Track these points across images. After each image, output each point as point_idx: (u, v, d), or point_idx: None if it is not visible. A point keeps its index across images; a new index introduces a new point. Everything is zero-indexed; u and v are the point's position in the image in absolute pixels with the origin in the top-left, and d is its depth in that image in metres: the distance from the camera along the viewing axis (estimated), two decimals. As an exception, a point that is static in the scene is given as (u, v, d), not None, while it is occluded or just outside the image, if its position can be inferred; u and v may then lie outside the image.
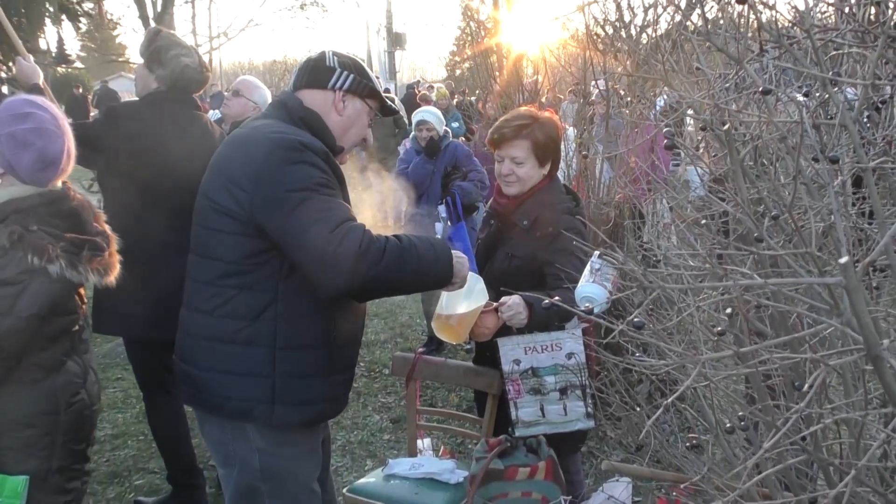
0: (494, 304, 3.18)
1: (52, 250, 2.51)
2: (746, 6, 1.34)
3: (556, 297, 2.35)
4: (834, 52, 1.43)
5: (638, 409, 2.96)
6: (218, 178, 2.61)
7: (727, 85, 1.63)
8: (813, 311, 1.27)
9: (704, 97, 1.61)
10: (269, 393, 2.60)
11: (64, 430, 2.69)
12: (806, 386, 0.97)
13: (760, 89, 1.29)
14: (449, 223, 6.74)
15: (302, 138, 2.56)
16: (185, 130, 4.03)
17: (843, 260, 0.93)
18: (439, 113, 7.30)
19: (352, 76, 2.77)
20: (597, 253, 2.75)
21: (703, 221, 1.81)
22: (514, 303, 3.13)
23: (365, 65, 2.88)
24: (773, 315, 1.63)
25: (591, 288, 2.69)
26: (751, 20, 1.49)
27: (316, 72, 2.78)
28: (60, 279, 2.53)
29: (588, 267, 2.79)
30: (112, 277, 2.77)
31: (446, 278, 2.69)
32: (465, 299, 3.11)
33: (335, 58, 2.79)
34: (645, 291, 1.54)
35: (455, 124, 10.97)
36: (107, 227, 2.87)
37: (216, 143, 4.05)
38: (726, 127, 1.25)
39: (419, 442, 4.10)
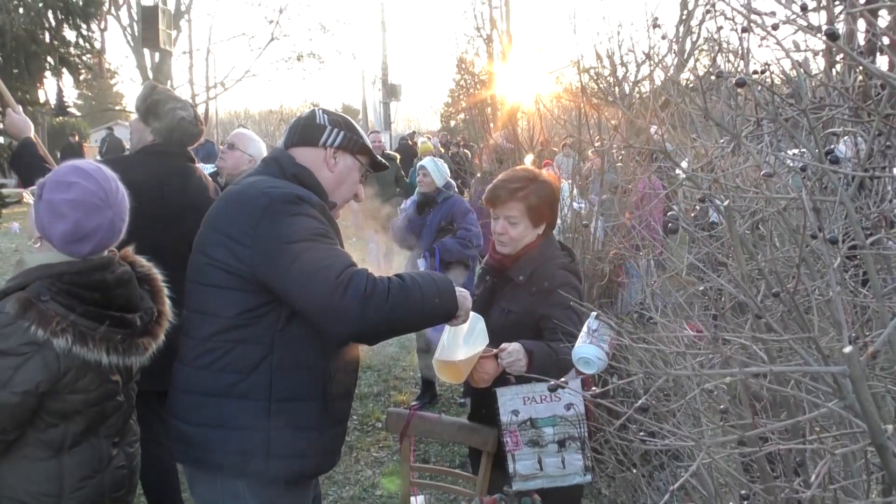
0: (494, 350, 3.17)
1: (59, 323, 2.39)
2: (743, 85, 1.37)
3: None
4: (830, 131, 1.45)
5: (634, 469, 2.94)
6: (213, 234, 2.61)
7: (723, 153, 1.65)
8: (814, 391, 1.27)
9: (702, 167, 1.63)
10: (265, 446, 2.57)
11: None
12: (813, 477, 0.97)
13: (763, 172, 1.31)
14: None
15: (298, 191, 2.59)
16: (179, 183, 4.04)
17: (847, 350, 0.94)
18: (442, 165, 7.29)
19: (342, 133, 2.82)
20: (594, 314, 2.76)
21: (701, 288, 1.82)
22: (513, 349, 3.12)
23: (354, 122, 2.93)
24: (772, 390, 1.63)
25: (589, 349, 2.69)
26: (747, 95, 1.51)
27: (307, 130, 2.83)
28: (67, 354, 2.40)
29: (585, 327, 2.79)
30: (137, 357, 2.64)
31: (451, 311, 2.70)
32: (467, 338, 3.11)
33: (325, 116, 2.85)
34: (643, 373, 1.54)
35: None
36: (165, 306, 2.78)
37: (211, 196, 4.08)
38: (726, 203, 1.27)
39: (413, 499, 4.04)
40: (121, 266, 2.66)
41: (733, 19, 1.52)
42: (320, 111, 2.88)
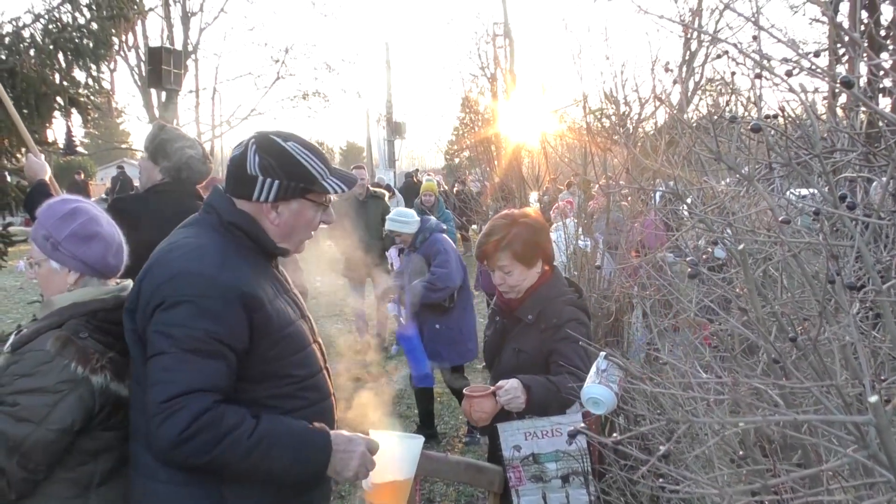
0: (492, 387, 3.16)
1: (98, 360, 2.40)
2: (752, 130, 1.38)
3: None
4: (843, 175, 1.46)
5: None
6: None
7: (736, 196, 1.65)
8: (826, 435, 1.26)
9: (713, 209, 1.63)
10: None
11: None
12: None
13: (781, 219, 1.31)
14: (402, 319, 6.64)
15: (206, 275, 2.26)
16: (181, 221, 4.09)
17: (873, 399, 0.93)
18: (405, 213, 7.30)
19: (276, 183, 2.39)
20: (603, 354, 2.76)
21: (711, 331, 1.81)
22: (511, 386, 3.12)
23: (298, 150, 2.45)
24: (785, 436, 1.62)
25: (598, 389, 2.68)
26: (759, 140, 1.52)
27: (238, 182, 2.45)
28: (104, 392, 2.40)
29: (594, 367, 2.79)
30: None
31: (315, 477, 2.40)
32: (395, 467, 2.70)
33: (256, 159, 2.40)
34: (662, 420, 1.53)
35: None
36: None
37: None
38: (741, 247, 1.27)
39: (419, 542, 3.99)
40: None
41: (744, 63, 1.54)
42: (252, 151, 2.41)
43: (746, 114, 2.34)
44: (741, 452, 1.51)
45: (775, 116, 1.54)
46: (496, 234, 3.50)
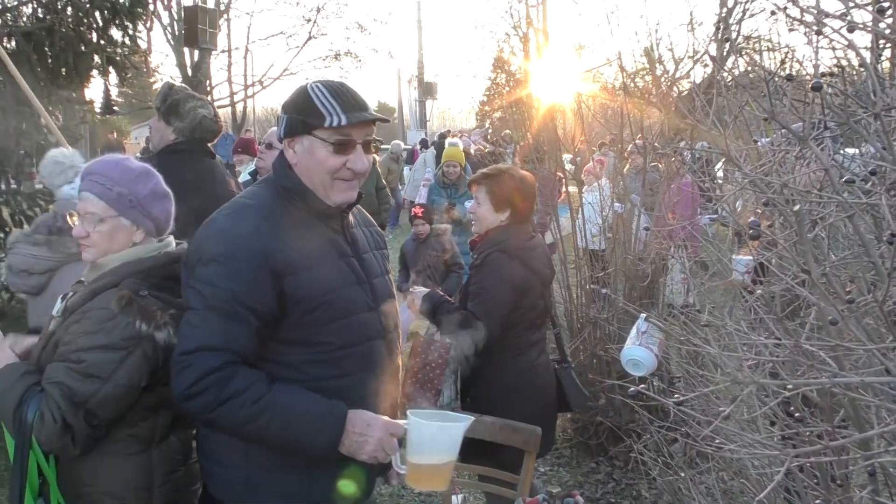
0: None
1: (161, 316, 2.43)
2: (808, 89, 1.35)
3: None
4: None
5: (682, 474, 2.91)
6: None
7: (786, 157, 1.63)
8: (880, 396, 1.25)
9: (765, 171, 1.60)
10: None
11: None
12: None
13: (844, 179, 1.29)
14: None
15: (239, 236, 2.29)
16: (203, 179, 4.15)
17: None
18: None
19: (286, 118, 2.44)
20: (643, 315, 2.76)
21: (759, 292, 1.80)
22: (419, 291, 3.92)
23: (317, 88, 2.43)
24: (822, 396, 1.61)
25: (638, 351, 2.69)
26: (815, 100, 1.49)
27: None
28: (167, 347, 2.41)
29: (634, 329, 2.79)
30: None
31: (324, 454, 2.34)
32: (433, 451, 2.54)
33: (286, 103, 2.47)
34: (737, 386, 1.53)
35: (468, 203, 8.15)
36: None
37: (233, 189, 4.23)
38: (797, 208, 1.25)
39: (454, 498, 4.05)
40: None
41: (801, 21, 1.50)
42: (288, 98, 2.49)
43: (787, 71, 2.28)
44: (797, 414, 1.50)
45: (831, 74, 1.51)
46: (488, 172, 4.00)
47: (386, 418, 2.39)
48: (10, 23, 5.96)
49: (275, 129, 5.52)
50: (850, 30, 1.34)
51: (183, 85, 4.58)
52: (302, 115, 2.40)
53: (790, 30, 1.55)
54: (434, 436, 2.41)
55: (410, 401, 3.85)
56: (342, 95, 2.41)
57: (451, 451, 2.47)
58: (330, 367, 2.40)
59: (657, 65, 6.07)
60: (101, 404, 2.34)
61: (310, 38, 31.48)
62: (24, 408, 2.33)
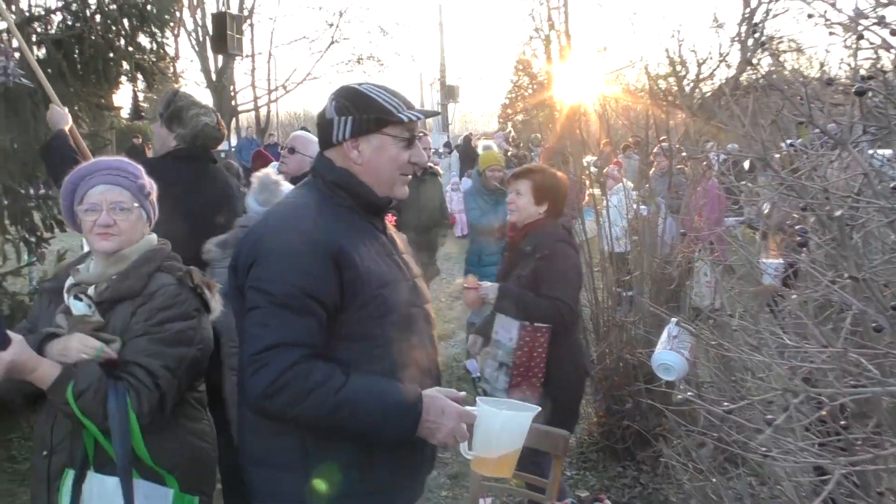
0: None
1: (210, 288, 2.69)
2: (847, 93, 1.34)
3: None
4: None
5: (714, 480, 2.89)
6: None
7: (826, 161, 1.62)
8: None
9: (799, 175, 1.60)
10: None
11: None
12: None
13: (893, 185, 1.28)
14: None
15: (298, 231, 2.33)
16: (204, 185, 4.23)
17: None
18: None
19: (349, 119, 2.44)
20: (674, 320, 2.75)
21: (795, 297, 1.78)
22: (490, 286, 4.18)
23: (371, 88, 2.50)
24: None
25: (669, 356, 2.68)
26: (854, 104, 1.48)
27: (322, 130, 2.52)
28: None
29: (665, 333, 2.78)
30: None
31: (403, 436, 2.35)
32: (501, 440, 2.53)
33: (333, 104, 2.48)
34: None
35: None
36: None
37: (235, 195, 4.38)
38: (839, 213, 1.24)
39: (481, 501, 4.04)
40: None
41: (840, 23, 1.49)
42: (331, 99, 2.50)
43: (813, 73, 2.27)
44: (842, 422, 1.49)
45: (870, 77, 1.50)
46: (531, 167, 4.42)
47: (458, 406, 2.39)
48: (39, 31, 6.04)
49: (298, 133, 5.56)
50: (893, 33, 1.33)
51: (187, 92, 4.64)
52: (373, 113, 2.43)
53: (830, 33, 1.54)
54: (504, 424, 2.41)
55: (516, 390, 4.03)
56: (398, 94, 2.51)
57: (519, 439, 2.45)
58: (381, 362, 2.41)
59: (679, 66, 6.04)
60: (189, 368, 2.58)
61: (332, 42, 31.68)
62: (113, 392, 2.47)
